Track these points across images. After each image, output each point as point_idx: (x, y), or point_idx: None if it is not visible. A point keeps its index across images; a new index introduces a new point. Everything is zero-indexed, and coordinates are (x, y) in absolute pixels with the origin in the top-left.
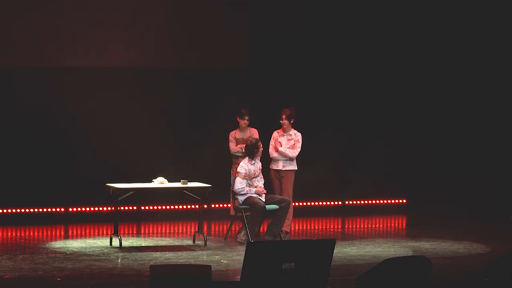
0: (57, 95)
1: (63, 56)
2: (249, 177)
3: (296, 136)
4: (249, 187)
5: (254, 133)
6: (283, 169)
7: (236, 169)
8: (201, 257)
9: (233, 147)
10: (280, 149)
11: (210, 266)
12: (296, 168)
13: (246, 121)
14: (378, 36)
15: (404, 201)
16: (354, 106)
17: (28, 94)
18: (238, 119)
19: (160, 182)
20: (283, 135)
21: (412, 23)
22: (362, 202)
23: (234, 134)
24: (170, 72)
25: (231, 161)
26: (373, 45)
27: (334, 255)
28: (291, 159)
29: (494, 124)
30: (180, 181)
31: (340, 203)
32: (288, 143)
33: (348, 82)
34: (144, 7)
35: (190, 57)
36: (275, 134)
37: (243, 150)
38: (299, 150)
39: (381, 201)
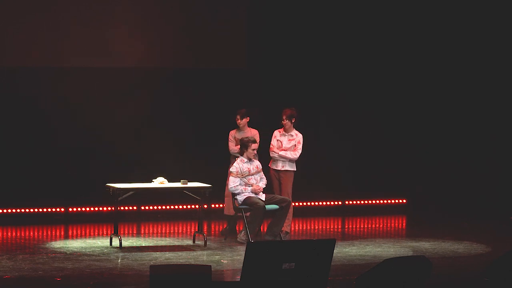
0: (57, 95)
1: (63, 56)
2: (242, 175)
3: (297, 137)
4: (245, 185)
5: (256, 134)
6: (282, 169)
7: None
8: (201, 257)
9: (233, 147)
10: (281, 153)
11: (210, 266)
12: (295, 169)
13: (239, 121)
14: (379, 36)
15: (404, 201)
16: (354, 106)
17: (28, 94)
18: (236, 119)
19: (160, 182)
20: (284, 135)
21: (412, 23)
22: (362, 202)
23: (234, 134)
24: (170, 72)
25: (229, 160)
26: (374, 45)
27: (334, 255)
28: (291, 160)
29: (494, 124)
30: (180, 181)
31: (340, 203)
32: (289, 143)
33: (349, 82)
34: (144, 7)
35: (190, 57)
36: (276, 133)
37: None
38: (300, 151)
39: (381, 201)
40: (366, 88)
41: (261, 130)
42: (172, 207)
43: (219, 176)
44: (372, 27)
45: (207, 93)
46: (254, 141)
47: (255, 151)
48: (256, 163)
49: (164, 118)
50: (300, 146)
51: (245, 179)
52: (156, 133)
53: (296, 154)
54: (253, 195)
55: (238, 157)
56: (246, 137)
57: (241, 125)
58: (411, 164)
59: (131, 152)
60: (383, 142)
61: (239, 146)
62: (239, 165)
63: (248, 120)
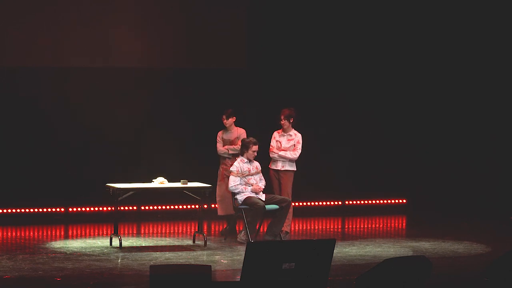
0: (57, 95)
1: (63, 56)
2: (242, 175)
3: (296, 136)
4: (245, 185)
5: (242, 133)
6: (282, 169)
7: (223, 170)
8: (201, 257)
9: (220, 148)
10: (280, 153)
11: (210, 266)
12: (295, 168)
13: (225, 121)
14: (379, 36)
15: (404, 201)
16: (354, 106)
17: (28, 94)
18: (222, 119)
19: (160, 182)
20: (283, 135)
21: (412, 23)
22: (362, 202)
23: (222, 135)
24: (171, 72)
25: (219, 162)
26: (374, 44)
27: (334, 255)
28: (291, 160)
29: (494, 124)
30: (180, 181)
31: (340, 203)
32: (288, 143)
33: (349, 82)
34: (144, 7)
35: (190, 57)
36: (275, 134)
37: (229, 152)
38: (299, 151)
39: (381, 201)
40: (366, 88)
41: (261, 130)
42: (172, 207)
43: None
44: (372, 27)
45: (207, 93)
46: (256, 143)
47: (255, 153)
48: (256, 164)
49: (164, 118)
50: (299, 146)
51: (245, 178)
52: (156, 133)
53: (295, 154)
54: (253, 195)
55: (226, 158)
56: (248, 138)
57: (227, 125)
58: (411, 164)
59: (131, 152)
60: (383, 142)
61: (226, 147)
62: (240, 164)
63: (234, 120)
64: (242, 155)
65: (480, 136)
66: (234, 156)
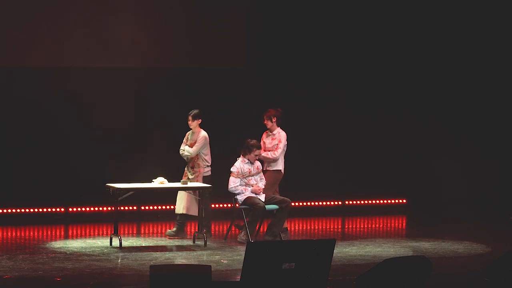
0: (57, 95)
1: (63, 56)
2: (242, 176)
3: (279, 135)
4: (245, 185)
5: (200, 138)
6: (267, 169)
7: (185, 173)
8: (201, 257)
9: (181, 147)
10: (263, 154)
11: (210, 266)
12: (279, 168)
13: (190, 122)
14: (379, 36)
15: (404, 201)
16: (354, 106)
17: (28, 94)
18: (188, 120)
19: (160, 182)
20: (269, 135)
21: (411, 23)
22: (362, 202)
23: (188, 136)
24: (170, 72)
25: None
26: (374, 44)
27: (334, 255)
28: (274, 160)
29: (495, 124)
30: (180, 181)
31: (340, 203)
32: (271, 143)
33: (349, 82)
34: (144, 7)
35: (190, 57)
36: (264, 134)
37: (184, 153)
38: (280, 150)
39: (381, 201)
40: (366, 88)
41: (261, 130)
42: (172, 207)
43: (219, 175)
44: (373, 27)
45: (207, 93)
46: (259, 147)
47: (257, 157)
48: (257, 164)
49: (164, 118)
50: (281, 145)
51: (245, 179)
52: (156, 133)
53: (275, 153)
54: (253, 195)
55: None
56: (252, 141)
57: (191, 127)
58: (411, 164)
59: (131, 152)
60: (383, 142)
61: (186, 147)
62: (240, 165)
63: (199, 122)
64: (244, 156)
65: (480, 136)
66: (188, 161)
